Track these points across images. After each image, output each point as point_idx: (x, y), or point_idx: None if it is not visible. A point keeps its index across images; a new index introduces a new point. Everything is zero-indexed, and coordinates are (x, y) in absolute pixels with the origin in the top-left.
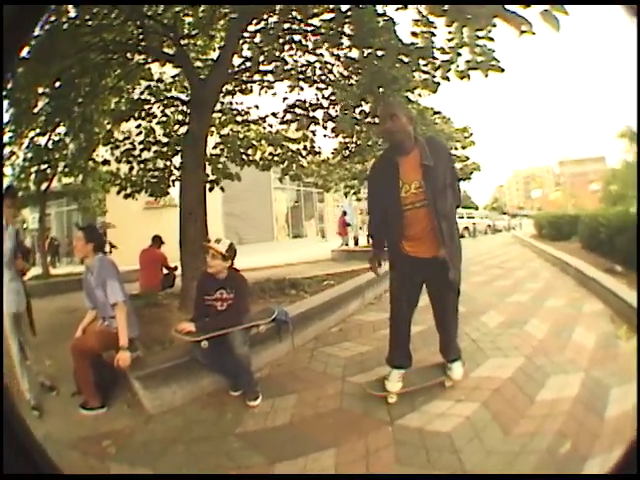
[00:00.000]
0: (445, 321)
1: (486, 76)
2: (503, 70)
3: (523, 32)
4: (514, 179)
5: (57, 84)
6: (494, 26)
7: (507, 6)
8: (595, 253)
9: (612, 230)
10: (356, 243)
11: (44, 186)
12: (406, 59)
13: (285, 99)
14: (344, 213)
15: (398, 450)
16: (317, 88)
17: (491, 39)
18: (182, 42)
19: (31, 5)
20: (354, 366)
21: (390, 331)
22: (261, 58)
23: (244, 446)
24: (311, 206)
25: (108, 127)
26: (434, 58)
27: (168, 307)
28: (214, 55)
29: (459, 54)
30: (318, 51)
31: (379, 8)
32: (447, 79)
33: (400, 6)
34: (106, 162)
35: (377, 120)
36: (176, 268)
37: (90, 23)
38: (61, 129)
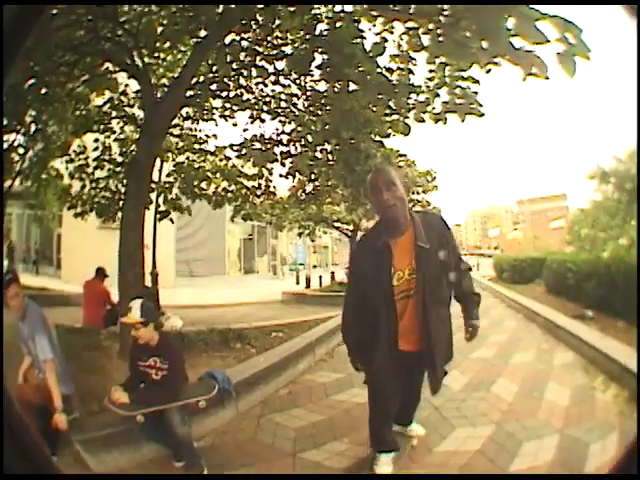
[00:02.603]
0: (414, 392)
1: (462, 120)
2: (482, 115)
3: (532, 75)
4: (472, 218)
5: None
6: (497, 64)
7: (517, 42)
8: (561, 297)
9: (581, 276)
10: (307, 284)
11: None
12: (382, 96)
13: (245, 130)
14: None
15: None
16: (279, 121)
17: (476, 81)
18: (145, 52)
19: (31, 5)
20: (305, 440)
21: (375, 418)
22: (214, 85)
23: None
24: (264, 241)
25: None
26: (408, 98)
27: (108, 352)
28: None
29: (437, 95)
30: (284, 81)
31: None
32: (422, 121)
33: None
34: (59, 176)
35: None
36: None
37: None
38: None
